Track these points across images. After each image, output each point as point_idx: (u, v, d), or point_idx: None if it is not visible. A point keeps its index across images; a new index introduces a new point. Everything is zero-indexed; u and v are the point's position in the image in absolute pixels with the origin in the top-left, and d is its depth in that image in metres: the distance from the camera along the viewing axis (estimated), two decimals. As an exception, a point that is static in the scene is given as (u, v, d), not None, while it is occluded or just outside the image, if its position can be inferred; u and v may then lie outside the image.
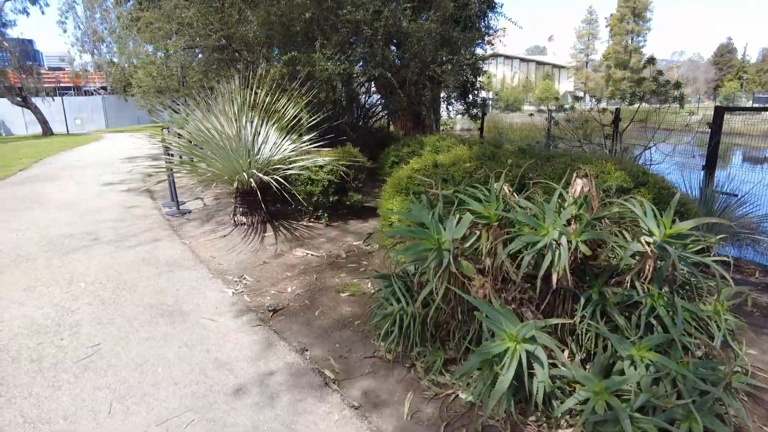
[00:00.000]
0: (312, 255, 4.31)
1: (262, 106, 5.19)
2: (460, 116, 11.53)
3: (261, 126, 5.22)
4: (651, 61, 6.96)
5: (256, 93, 5.14)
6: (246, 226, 5.11)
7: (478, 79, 10.35)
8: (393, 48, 6.98)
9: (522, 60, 59.75)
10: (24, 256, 4.36)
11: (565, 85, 63.54)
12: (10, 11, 39.28)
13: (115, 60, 33.54)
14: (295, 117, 5.33)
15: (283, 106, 5.27)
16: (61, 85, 35.98)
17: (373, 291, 3.49)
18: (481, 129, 12.19)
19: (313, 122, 5.40)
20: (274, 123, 5.25)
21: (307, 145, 5.22)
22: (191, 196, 7.07)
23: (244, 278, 3.82)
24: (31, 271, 3.96)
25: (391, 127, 10.21)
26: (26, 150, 15.19)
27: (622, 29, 62.89)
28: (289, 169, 4.96)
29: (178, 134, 5.51)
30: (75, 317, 3.12)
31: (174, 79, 7.13)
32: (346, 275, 3.85)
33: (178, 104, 6.26)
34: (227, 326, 3.00)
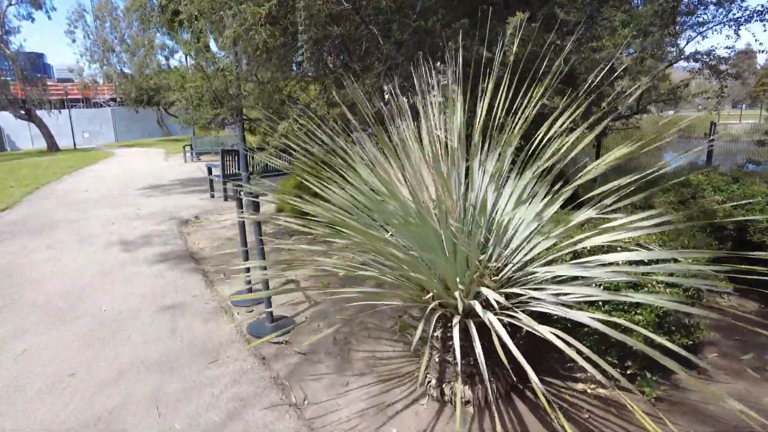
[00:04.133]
0: None
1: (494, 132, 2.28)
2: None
3: (494, 182, 2.31)
4: None
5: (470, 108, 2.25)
6: (468, 405, 2.18)
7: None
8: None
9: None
10: None
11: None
12: (13, 17, 37.31)
13: (126, 70, 31.33)
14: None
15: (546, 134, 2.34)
16: (69, 97, 33.82)
17: None
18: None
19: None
20: (517, 171, 2.33)
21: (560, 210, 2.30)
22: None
23: None
24: None
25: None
26: (24, 172, 12.45)
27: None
28: (558, 276, 2.04)
29: (316, 195, 2.66)
30: None
31: (241, 81, 4.26)
32: None
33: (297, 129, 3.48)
34: None
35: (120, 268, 4.37)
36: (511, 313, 1.85)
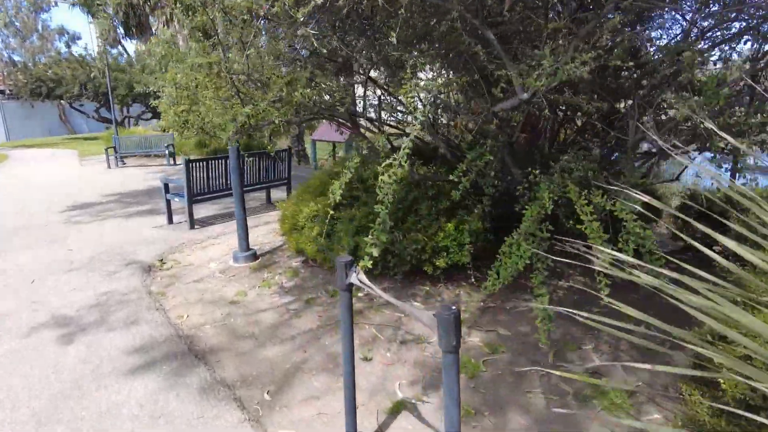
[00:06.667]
0: None
1: None
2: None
3: None
4: None
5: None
6: None
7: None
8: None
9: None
10: None
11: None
12: None
13: (16, 57, 26.72)
14: None
15: None
16: (-57, 86, 28.10)
17: None
18: None
19: None
20: None
21: None
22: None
23: None
24: None
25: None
26: None
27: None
28: None
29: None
30: None
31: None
32: None
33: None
34: None
35: (71, 401, 2.40)
36: None
